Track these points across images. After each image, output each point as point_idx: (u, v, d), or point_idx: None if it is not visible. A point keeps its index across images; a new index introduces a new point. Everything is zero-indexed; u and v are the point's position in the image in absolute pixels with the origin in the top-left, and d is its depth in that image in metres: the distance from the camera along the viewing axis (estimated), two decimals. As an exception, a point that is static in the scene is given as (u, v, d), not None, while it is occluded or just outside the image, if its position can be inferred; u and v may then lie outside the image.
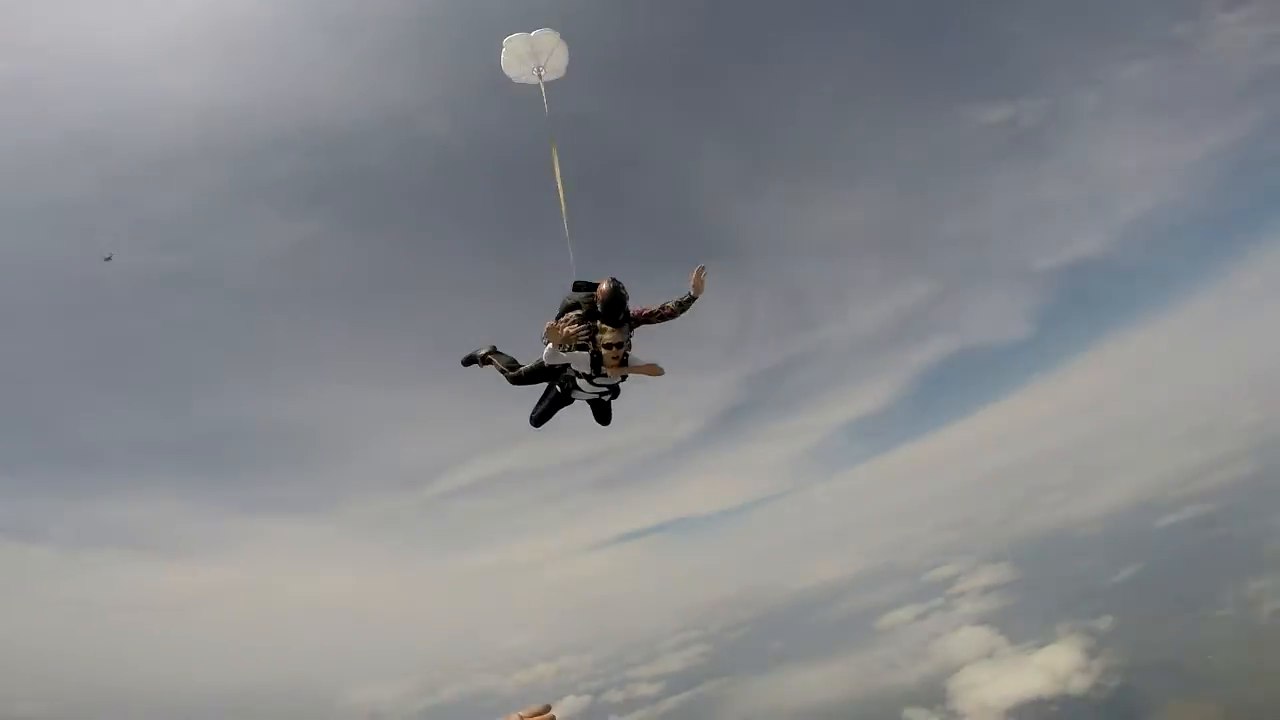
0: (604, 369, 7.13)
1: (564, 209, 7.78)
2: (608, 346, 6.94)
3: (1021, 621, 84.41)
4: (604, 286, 7.04)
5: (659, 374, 7.31)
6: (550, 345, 6.90)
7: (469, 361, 8.14)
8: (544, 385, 7.79)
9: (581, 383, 7.39)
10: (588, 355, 7.07)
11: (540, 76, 7.80)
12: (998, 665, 74.94)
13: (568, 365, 7.28)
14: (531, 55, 7.64)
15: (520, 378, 7.72)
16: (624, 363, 7.15)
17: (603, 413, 7.93)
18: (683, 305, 7.29)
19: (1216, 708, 51.73)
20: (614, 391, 7.64)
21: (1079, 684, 63.52)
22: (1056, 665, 67.92)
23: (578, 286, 7.50)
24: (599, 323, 7.03)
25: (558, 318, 7.19)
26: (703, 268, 7.24)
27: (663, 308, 7.30)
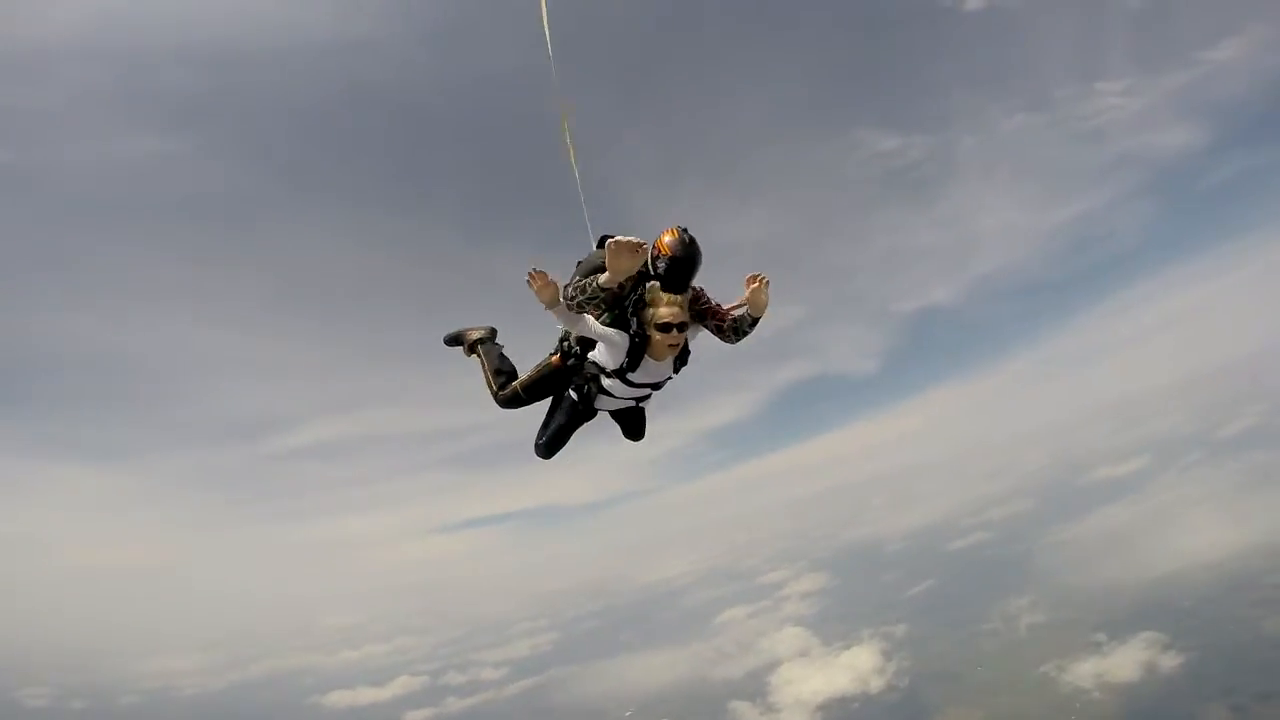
0: (648, 358, 5.09)
1: (573, 160, 5.35)
2: (663, 328, 4.88)
3: (833, 624, 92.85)
4: (667, 238, 4.81)
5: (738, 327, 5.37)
6: (563, 311, 4.83)
7: (453, 341, 6.11)
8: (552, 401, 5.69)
9: (612, 384, 5.22)
10: (621, 339, 5.00)
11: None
12: (811, 664, 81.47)
13: (585, 362, 5.33)
14: None
15: (516, 395, 5.55)
16: (683, 353, 5.24)
17: (636, 423, 5.93)
18: (739, 329, 5.34)
19: (982, 714, 58.02)
20: (649, 401, 5.67)
21: (876, 684, 70.37)
22: (859, 666, 74.90)
23: (603, 244, 5.07)
24: (651, 290, 4.92)
25: (579, 287, 4.89)
26: (763, 277, 5.24)
27: (729, 313, 5.39)
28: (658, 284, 4.91)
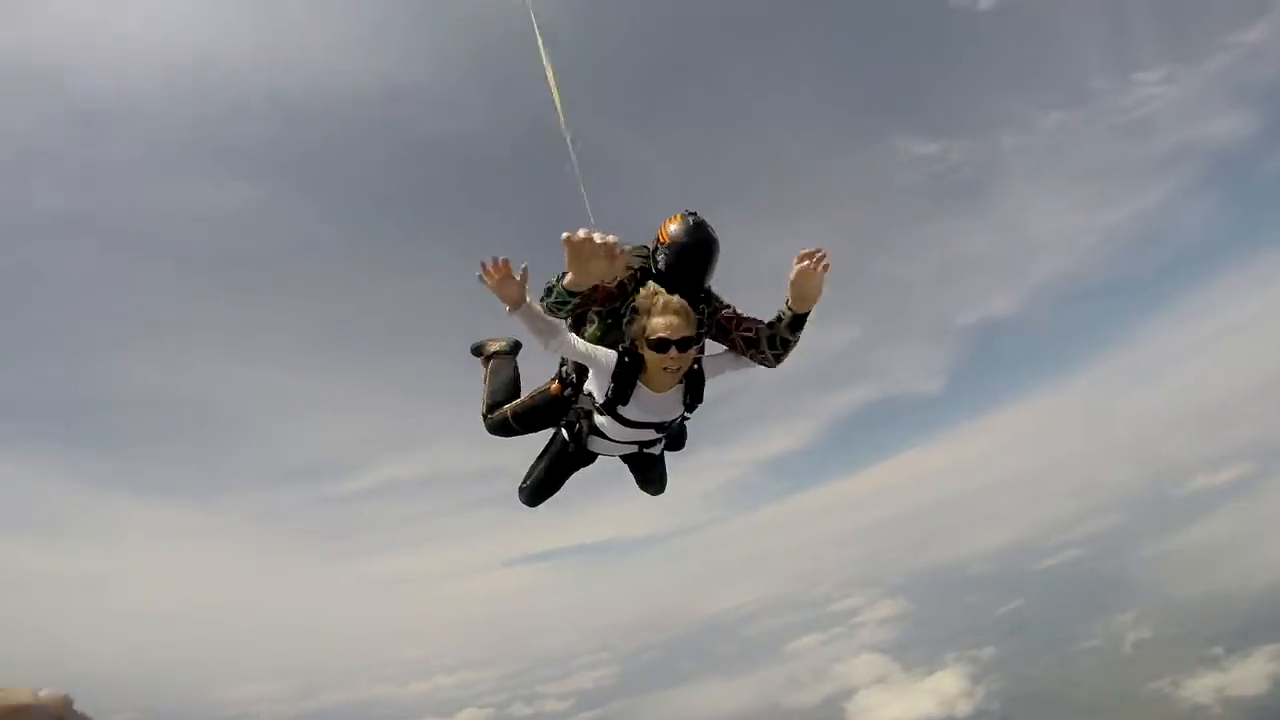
0: (643, 388, 3.82)
1: (565, 123, 4.41)
2: (658, 345, 3.57)
3: (914, 650, 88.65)
4: (671, 225, 3.83)
5: (772, 359, 3.95)
6: (532, 316, 3.59)
7: (477, 352, 5.17)
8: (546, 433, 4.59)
9: (605, 422, 3.98)
10: (606, 360, 3.76)
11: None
12: (891, 690, 77.63)
13: (580, 393, 4.13)
14: None
15: (505, 422, 4.52)
16: (695, 375, 3.89)
17: (650, 472, 4.71)
18: (778, 338, 3.86)
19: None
20: (673, 436, 4.39)
21: (963, 708, 66.47)
22: (944, 690, 70.88)
23: None
24: (646, 293, 3.64)
25: (546, 288, 3.82)
26: (822, 254, 3.65)
27: (755, 329, 3.95)
28: (656, 285, 3.70)
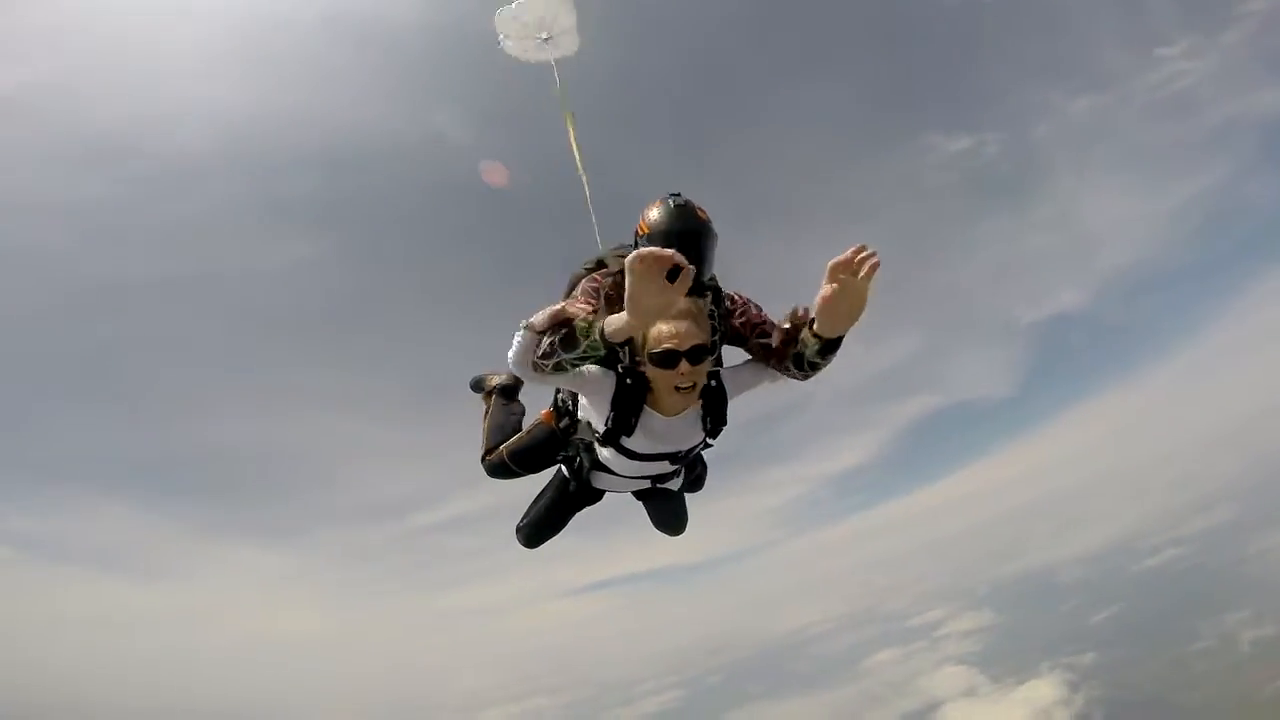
0: (651, 412, 3.12)
1: (585, 180, 5.09)
2: (663, 358, 2.85)
3: (1003, 661, 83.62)
4: (653, 212, 3.23)
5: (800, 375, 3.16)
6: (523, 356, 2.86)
7: (476, 387, 4.63)
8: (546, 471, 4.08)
9: (608, 455, 3.31)
10: (602, 380, 3.07)
11: (549, 45, 6.09)
12: (980, 701, 73.99)
13: (577, 422, 3.52)
14: (530, 25, 6.17)
15: (502, 463, 3.92)
16: (715, 392, 3.16)
17: (667, 509, 4.09)
18: (805, 360, 3.04)
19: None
20: (691, 472, 3.74)
21: (1061, 717, 62.71)
22: (1039, 699, 66.77)
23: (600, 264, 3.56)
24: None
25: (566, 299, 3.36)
26: (869, 255, 2.65)
27: (772, 331, 3.28)
28: None
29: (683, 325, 2.80)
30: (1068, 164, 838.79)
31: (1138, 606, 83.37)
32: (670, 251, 2.39)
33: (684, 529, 4.21)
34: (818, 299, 2.72)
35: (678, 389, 2.89)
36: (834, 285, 2.65)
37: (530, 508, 3.99)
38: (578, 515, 4.02)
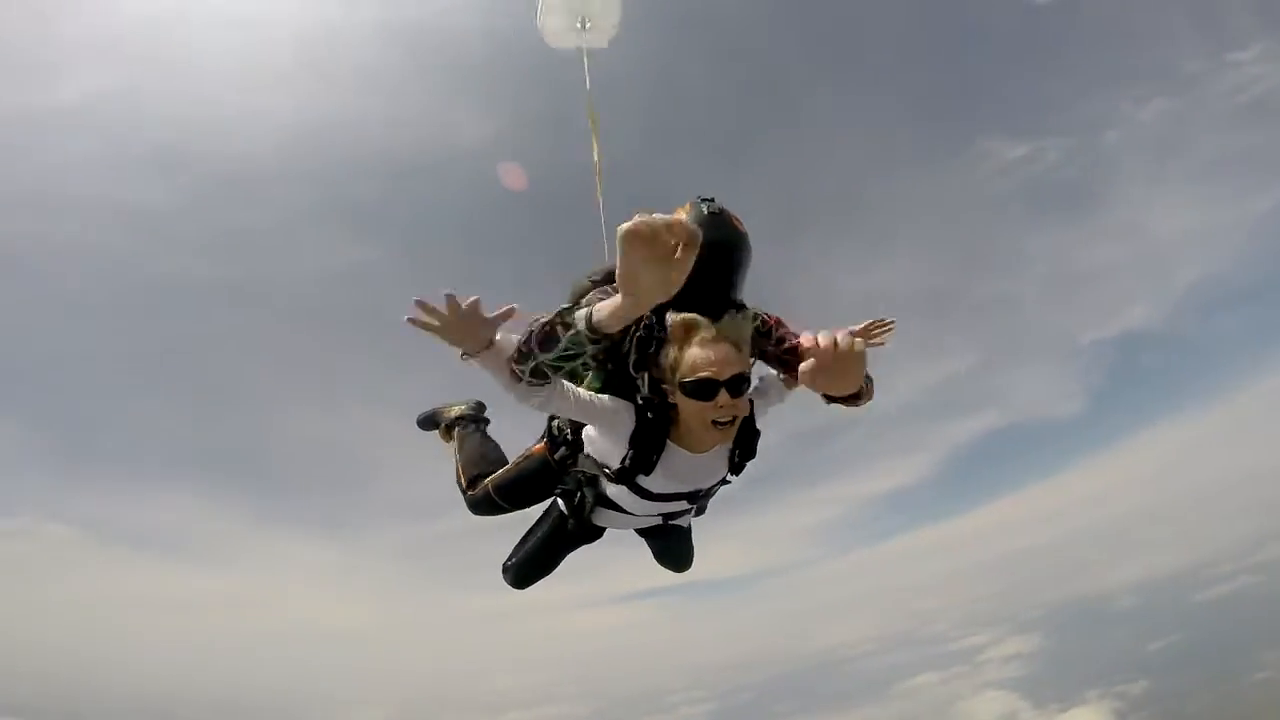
0: (675, 449, 2.69)
1: (599, 183, 4.77)
2: (699, 387, 2.42)
3: (1048, 687, 79.96)
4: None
5: (857, 398, 2.67)
6: (498, 364, 2.45)
7: (427, 424, 4.17)
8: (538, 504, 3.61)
9: (619, 493, 2.90)
10: (616, 413, 2.66)
11: (583, 33, 5.79)
12: None
13: (579, 453, 3.04)
14: (575, 10, 5.91)
15: (488, 498, 3.47)
16: (747, 434, 2.79)
17: (672, 545, 3.67)
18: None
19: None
20: (694, 510, 3.22)
21: None
22: None
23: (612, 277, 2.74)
24: (680, 317, 2.56)
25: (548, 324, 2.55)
26: (881, 328, 3.04)
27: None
28: (678, 313, 2.51)
29: (721, 349, 2.37)
30: (1136, 172, 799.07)
31: (1199, 636, 78.30)
32: (675, 218, 1.93)
33: (690, 565, 3.80)
34: (801, 371, 2.07)
35: (715, 424, 2.43)
36: (826, 356, 1.99)
37: (519, 545, 3.51)
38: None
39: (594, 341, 2.19)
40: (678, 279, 1.98)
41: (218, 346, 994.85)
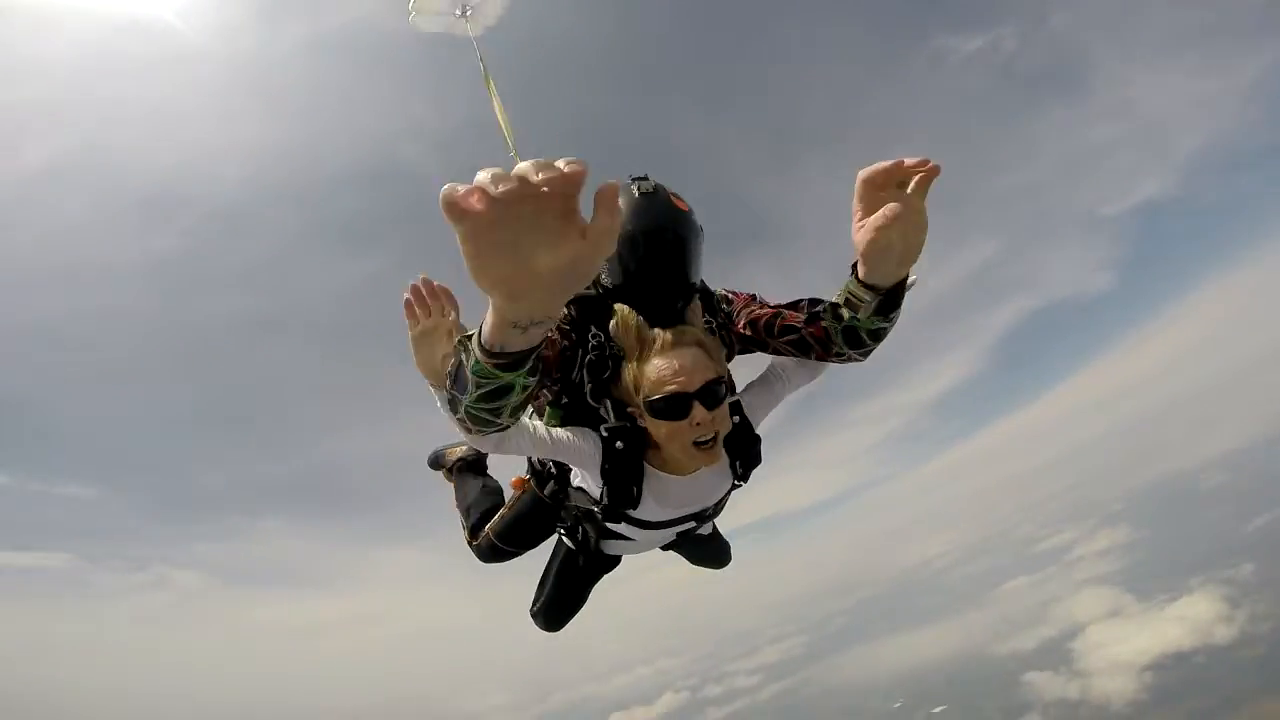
0: (657, 475, 2.31)
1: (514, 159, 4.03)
2: (668, 405, 2.01)
3: (1149, 578, 79.92)
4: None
5: None
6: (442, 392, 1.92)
7: (435, 464, 3.97)
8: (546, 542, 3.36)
9: (616, 526, 2.56)
10: (581, 446, 2.23)
11: (459, 20, 5.38)
12: (1126, 623, 70.52)
13: (568, 487, 2.69)
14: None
15: (493, 547, 3.25)
16: (746, 439, 2.41)
17: (703, 548, 3.37)
18: (861, 331, 2.03)
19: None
20: (703, 526, 2.92)
21: (1224, 634, 58.11)
22: (1196, 617, 62.65)
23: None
24: (629, 325, 2.10)
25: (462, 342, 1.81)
26: (921, 168, 1.63)
27: (801, 326, 2.26)
28: (629, 311, 2.10)
29: (684, 355, 2.02)
30: (1105, 50, 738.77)
31: (1299, 509, 76.29)
32: (544, 160, 1.52)
33: (729, 559, 3.57)
34: (861, 234, 1.73)
35: (697, 445, 2.06)
36: (882, 213, 1.67)
37: (540, 588, 3.20)
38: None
39: (505, 368, 1.60)
40: (585, 251, 1.52)
41: (261, 378, 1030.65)
